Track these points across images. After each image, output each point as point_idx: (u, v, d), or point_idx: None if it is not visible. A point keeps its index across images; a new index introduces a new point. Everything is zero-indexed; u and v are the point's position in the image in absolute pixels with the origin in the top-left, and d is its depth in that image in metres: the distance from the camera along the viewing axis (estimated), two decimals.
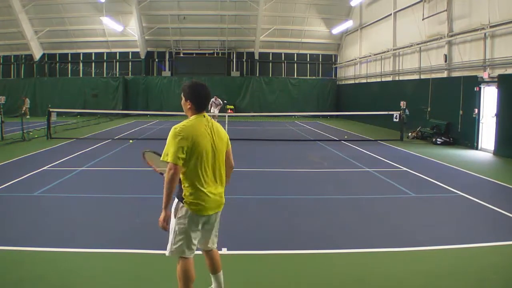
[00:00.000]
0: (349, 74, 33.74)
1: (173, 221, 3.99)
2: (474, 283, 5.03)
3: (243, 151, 15.61)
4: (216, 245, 4.39)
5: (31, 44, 33.15)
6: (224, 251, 5.80)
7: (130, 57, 35.90)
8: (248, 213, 7.82)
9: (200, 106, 4.05)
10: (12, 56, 35.50)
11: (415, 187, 9.89)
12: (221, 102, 28.46)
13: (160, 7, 32.26)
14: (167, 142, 3.88)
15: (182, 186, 3.94)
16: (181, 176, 3.89)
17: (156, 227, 6.79)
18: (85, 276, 5.09)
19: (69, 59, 35.74)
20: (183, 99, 4.08)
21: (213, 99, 29.35)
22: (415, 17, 21.77)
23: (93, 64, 35.93)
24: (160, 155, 4.00)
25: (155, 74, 35.94)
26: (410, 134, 19.84)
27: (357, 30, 31.00)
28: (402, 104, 20.34)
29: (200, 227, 4.06)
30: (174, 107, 31.95)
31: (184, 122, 3.97)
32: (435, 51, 20.39)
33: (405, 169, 12.12)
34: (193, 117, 4.03)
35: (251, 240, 6.42)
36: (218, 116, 28.89)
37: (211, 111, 28.65)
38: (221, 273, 4.36)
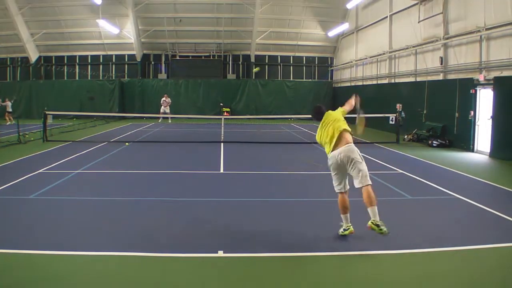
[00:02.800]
0: (345, 76, 33.81)
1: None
2: (470, 285, 5.05)
3: (239, 154, 15.61)
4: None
5: (27, 46, 33.06)
6: (220, 253, 5.80)
7: (126, 59, 35.83)
8: (244, 216, 7.82)
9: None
10: (8, 59, 35.42)
11: (411, 189, 9.91)
12: (170, 101, 30.02)
13: (156, 10, 32.25)
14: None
15: None
16: None
17: (152, 229, 6.82)
18: (81, 279, 5.07)
19: (65, 61, 35.64)
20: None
21: (163, 98, 29.75)
22: (411, 20, 21.85)
23: (89, 66, 35.87)
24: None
25: (151, 77, 35.90)
26: (406, 136, 19.87)
27: (353, 32, 31.08)
28: (398, 106, 20.40)
29: None
30: (170, 110, 32.05)
31: None
32: (431, 54, 20.46)
33: (401, 171, 12.14)
34: None
35: (247, 242, 6.41)
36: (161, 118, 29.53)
37: (161, 110, 28.95)
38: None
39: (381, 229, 5.92)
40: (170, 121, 29.98)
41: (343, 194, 6.49)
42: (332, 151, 6.45)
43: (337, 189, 6.56)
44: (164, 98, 30.18)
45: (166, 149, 16.65)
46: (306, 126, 28.44)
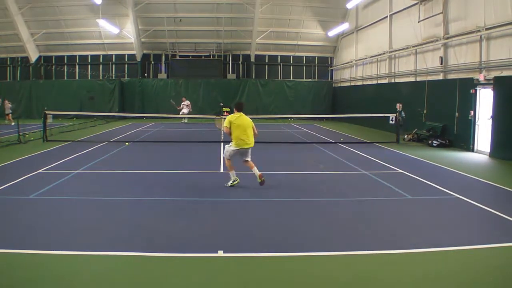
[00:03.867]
0: (345, 76, 33.81)
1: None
2: (470, 285, 5.04)
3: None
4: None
5: (27, 46, 33.05)
6: (220, 253, 5.80)
7: (126, 59, 35.83)
8: (244, 216, 7.82)
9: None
10: (8, 59, 35.42)
11: (411, 189, 9.91)
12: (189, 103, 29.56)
13: (156, 10, 32.23)
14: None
15: None
16: None
17: (152, 229, 6.83)
18: (80, 279, 5.07)
19: (65, 61, 35.64)
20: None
21: (184, 102, 29.23)
22: (411, 20, 21.84)
23: (89, 66, 35.87)
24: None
25: (151, 77, 35.91)
26: (406, 136, 19.87)
27: (353, 32, 31.08)
28: (398, 106, 20.39)
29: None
30: (170, 109, 32.01)
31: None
32: (431, 54, 20.46)
33: (401, 171, 12.14)
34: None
35: (247, 242, 6.42)
36: (187, 118, 29.17)
37: (182, 112, 28.57)
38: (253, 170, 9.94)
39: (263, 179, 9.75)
40: (186, 121, 29.78)
41: (231, 160, 9.94)
42: (247, 146, 9.95)
43: (229, 157, 9.94)
44: (184, 102, 29.88)
45: (166, 149, 16.65)
46: (306, 126, 28.45)
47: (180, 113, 28.73)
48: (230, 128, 9.82)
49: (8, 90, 32.21)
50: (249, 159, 9.99)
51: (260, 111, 33.62)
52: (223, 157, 10.27)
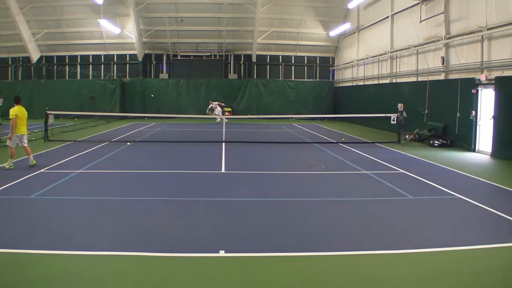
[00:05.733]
0: (346, 76, 33.78)
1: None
2: (471, 285, 5.03)
3: (240, 154, 15.60)
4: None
5: (29, 46, 33.09)
6: (221, 253, 5.79)
7: (127, 59, 35.85)
8: (245, 216, 7.81)
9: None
10: (10, 59, 35.47)
11: (413, 189, 9.89)
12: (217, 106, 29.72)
13: (158, 10, 32.25)
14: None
15: None
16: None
17: (153, 229, 6.82)
18: (81, 279, 5.07)
19: (67, 61, 35.69)
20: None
21: (212, 105, 29.44)
22: (412, 20, 21.82)
23: (90, 66, 35.89)
24: None
25: (152, 77, 35.92)
26: (407, 136, 19.84)
27: (355, 32, 31.05)
28: (400, 106, 20.37)
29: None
30: (171, 109, 32.02)
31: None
32: (432, 54, 20.43)
33: (402, 171, 12.13)
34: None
35: (249, 242, 6.41)
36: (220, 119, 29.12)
37: (216, 112, 28.78)
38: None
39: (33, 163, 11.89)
40: (227, 120, 29.83)
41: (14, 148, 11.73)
42: (23, 133, 11.99)
43: (13, 145, 11.67)
44: (212, 105, 30.05)
45: (167, 149, 16.65)
46: (307, 126, 28.43)
47: (214, 114, 29.03)
48: (15, 119, 11.70)
49: (9, 90, 32.20)
50: (26, 145, 12.03)
51: (261, 111, 33.68)
52: (9, 146, 11.77)
